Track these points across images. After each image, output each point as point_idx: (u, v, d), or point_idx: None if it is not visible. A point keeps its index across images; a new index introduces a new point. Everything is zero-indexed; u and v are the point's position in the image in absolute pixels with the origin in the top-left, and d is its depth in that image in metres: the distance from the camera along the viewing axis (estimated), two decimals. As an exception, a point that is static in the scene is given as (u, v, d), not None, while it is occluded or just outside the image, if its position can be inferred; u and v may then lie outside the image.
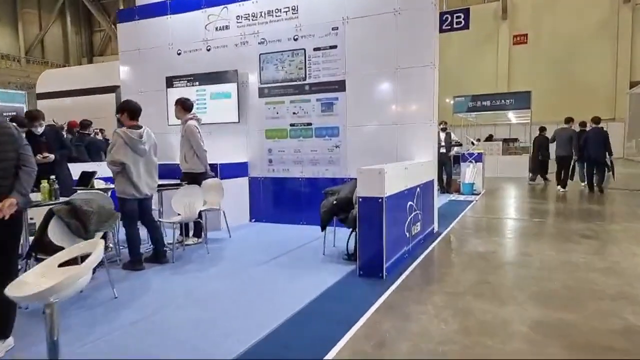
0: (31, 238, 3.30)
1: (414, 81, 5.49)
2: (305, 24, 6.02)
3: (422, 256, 4.42)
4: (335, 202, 4.35)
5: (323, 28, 5.91)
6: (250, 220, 6.60)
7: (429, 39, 5.39)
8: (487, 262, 4.20)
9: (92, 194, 3.69)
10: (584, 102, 23.95)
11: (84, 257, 2.05)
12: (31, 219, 3.71)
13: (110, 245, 4.66)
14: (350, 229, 4.26)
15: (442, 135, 10.10)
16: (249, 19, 6.35)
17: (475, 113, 16.52)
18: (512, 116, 20.31)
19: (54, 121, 8.80)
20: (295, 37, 6.08)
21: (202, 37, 6.67)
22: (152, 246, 4.43)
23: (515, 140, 18.33)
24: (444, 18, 28.96)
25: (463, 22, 29.89)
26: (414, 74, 5.47)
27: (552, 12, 26.06)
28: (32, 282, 2.00)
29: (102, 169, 4.87)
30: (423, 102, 5.49)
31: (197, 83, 6.65)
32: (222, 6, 6.51)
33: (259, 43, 6.31)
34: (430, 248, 4.78)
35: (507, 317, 2.85)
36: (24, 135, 2.97)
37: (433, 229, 5.57)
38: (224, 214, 5.50)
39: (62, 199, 3.48)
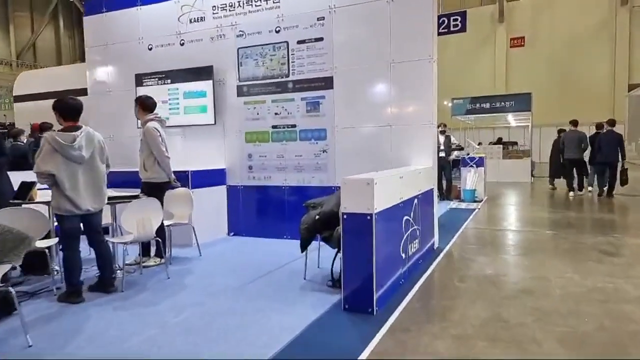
0: None
1: (410, 77, 4.84)
2: (288, 14, 5.36)
3: (420, 281, 3.74)
4: (318, 217, 3.67)
5: (307, 18, 5.25)
6: (229, 234, 5.90)
7: (426, 29, 4.74)
8: (497, 289, 3.52)
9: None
10: (582, 104, 23.53)
11: None
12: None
13: (56, 268, 3.96)
14: (336, 250, 3.58)
15: (442, 138, 9.45)
16: (225, 10, 5.69)
17: (475, 115, 15.92)
18: (511, 119, 19.76)
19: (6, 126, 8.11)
20: (277, 29, 5.42)
21: (175, 30, 6.00)
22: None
23: (515, 143, 17.71)
24: (440, 21, 28.50)
25: (460, 25, 29.49)
26: (410, 68, 4.82)
27: (548, 15, 25.69)
28: None
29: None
30: (421, 100, 4.84)
31: (169, 81, 5.97)
32: (197, -5, 5.85)
33: (237, 36, 5.64)
34: (430, 269, 4.09)
35: (533, 374, 2.18)
36: None
37: (433, 244, 4.89)
38: (194, 230, 4.81)
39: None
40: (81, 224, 3.48)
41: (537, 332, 2.68)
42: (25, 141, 7.51)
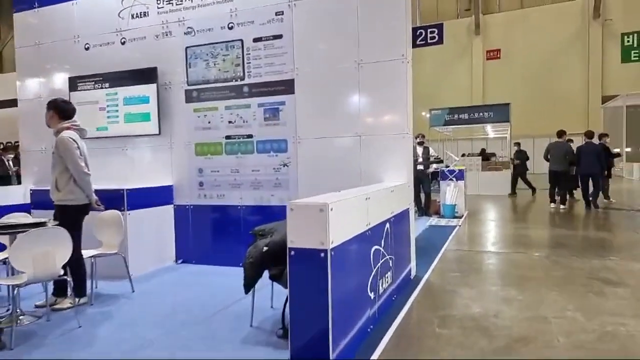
0: None
1: (381, 80, 4.20)
2: (242, 8, 4.68)
3: (394, 326, 3.03)
4: (266, 248, 2.94)
5: (264, 13, 4.57)
6: (177, 262, 5.09)
7: (398, 25, 4.12)
8: (489, 337, 2.83)
9: None
10: (557, 116, 23.68)
11: None
12: None
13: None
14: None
15: (420, 150, 8.89)
16: (172, 4, 4.96)
17: (453, 126, 15.55)
18: (490, 130, 19.54)
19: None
20: (230, 25, 4.73)
21: (116, 27, 5.23)
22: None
23: (493, 154, 17.42)
24: (418, 33, 28.64)
25: (437, 37, 29.65)
26: (381, 70, 4.18)
27: (523, 28, 25.95)
28: None
29: None
30: (394, 107, 4.19)
31: (106, 85, 5.18)
32: (140, -13, 5.12)
33: (185, 33, 4.92)
34: (405, 308, 3.39)
35: None
36: None
37: (410, 272, 4.21)
38: (126, 260, 4.00)
39: None
40: None
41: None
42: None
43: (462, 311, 3.34)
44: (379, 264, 3.12)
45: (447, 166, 9.55)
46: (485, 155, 16.40)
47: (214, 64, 4.79)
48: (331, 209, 2.25)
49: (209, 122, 4.87)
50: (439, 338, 2.85)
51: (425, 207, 8.86)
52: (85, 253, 3.73)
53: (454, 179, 8.67)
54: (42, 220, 3.38)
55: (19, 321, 3.17)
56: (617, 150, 17.86)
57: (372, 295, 2.95)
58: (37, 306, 3.58)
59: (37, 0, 5.63)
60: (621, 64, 21.73)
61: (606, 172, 9.54)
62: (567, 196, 9.64)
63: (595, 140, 9.63)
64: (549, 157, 9.45)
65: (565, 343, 2.72)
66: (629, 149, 20.96)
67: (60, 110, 3.64)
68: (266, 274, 2.99)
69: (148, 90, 4.95)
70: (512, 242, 6.10)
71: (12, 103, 6.55)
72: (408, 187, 4.19)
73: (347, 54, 4.28)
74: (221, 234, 4.90)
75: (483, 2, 26.81)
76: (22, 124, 5.77)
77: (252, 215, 4.73)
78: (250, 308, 3.18)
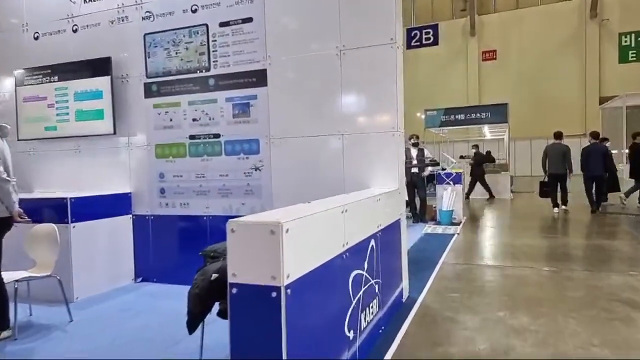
0: None
1: (366, 68, 3.58)
2: (208, -12, 4.07)
3: (379, 372, 2.40)
4: (215, 276, 2.30)
5: (233, -7, 3.96)
6: (135, 280, 4.44)
7: (387, 3, 3.51)
8: (500, 389, 2.22)
9: None
10: (554, 117, 23.26)
11: None
12: None
13: None
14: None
15: (414, 152, 8.28)
16: (129, -16, 4.35)
17: (449, 127, 14.97)
18: (487, 131, 19.01)
19: None
20: (194, 8, 4.10)
21: (67, 12, 4.60)
22: None
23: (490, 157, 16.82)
24: (412, 34, 28.19)
25: (432, 38, 29.19)
26: (367, 56, 3.57)
27: (519, 28, 25.54)
28: None
29: None
30: (382, 100, 3.58)
31: (55, 78, 4.54)
32: (93, -33, 4.49)
33: (143, 18, 4.29)
34: (395, 346, 2.76)
35: None
36: None
37: (401, 294, 3.58)
38: (61, 283, 3.34)
39: None
40: None
41: None
42: None
43: (464, 347, 2.72)
44: (361, 293, 2.50)
45: (443, 169, 8.95)
46: (489, 157, 15.81)
47: (176, 53, 4.17)
48: (286, 230, 1.62)
49: (171, 120, 4.24)
50: (437, 391, 2.22)
51: (420, 213, 8.25)
52: (9, 276, 3.09)
53: (451, 182, 8.06)
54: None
55: None
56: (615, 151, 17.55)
57: (350, 334, 2.32)
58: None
59: (-19, -16, 5.00)
60: (618, 64, 21.30)
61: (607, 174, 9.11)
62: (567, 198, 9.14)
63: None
64: (547, 160, 9.02)
65: (599, 398, 2.10)
66: (626, 151, 20.47)
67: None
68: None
69: (101, 83, 4.32)
70: (517, 254, 5.50)
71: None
72: (399, 193, 3.57)
73: (327, 38, 3.67)
74: (185, 248, 4.26)
75: (478, 2, 26.39)
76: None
77: (220, 227, 4.06)
78: (215, 333, 2.54)
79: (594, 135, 8.98)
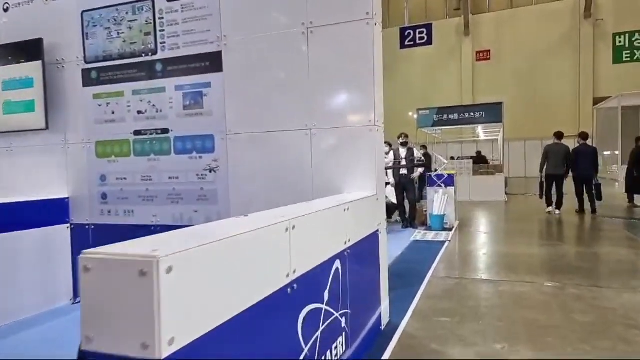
0: None
1: (339, 49, 2.99)
2: (155, -44, 3.45)
3: None
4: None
5: (183, -38, 3.35)
6: (74, 301, 3.81)
7: (363, -28, 2.93)
8: None
9: None
10: (548, 118, 22.93)
11: None
12: None
13: None
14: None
15: (403, 152, 7.71)
16: (65, -46, 3.72)
17: (442, 127, 14.45)
18: (480, 131, 18.55)
19: None
20: (138, -20, 3.49)
21: (-4, -12, 3.97)
22: None
23: (484, 157, 16.39)
24: (406, 34, 27.63)
25: (426, 37, 28.63)
26: (339, 35, 2.98)
27: (513, 28, 25.17)
28: None
29: None
30: (356, 87, 2.99)
31: (-20, 64, 3.90)
32: None
33: (81, -7, 3.67)
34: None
35: None
36: None
37: (379, 320, 2.98)
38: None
39: None
40: None
41: None
42: None
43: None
44: (318, 334, 1.90)
45: (434, 170, 8.40)
46: (481, 158, 15.30)
47: (118, 34, 3.54)
48: (167, 270, 1.02)
49: (113, 113, 3.61)
50: None
51: (410, 218, 7.68)
52: None
53: (443, 184, 7.50)
54: None
55: None
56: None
57: (299, 395, 1.72)
58: None
59: None
60: (613, 64, 20.97)
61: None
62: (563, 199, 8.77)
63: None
64: (547, 160, 8.83)
65: None
66: (617, 152, 20.09)
67: None
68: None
69: (31, 70, 3.68)
70: (514, 265, 4.93)
71: None
72: (377, 200, 2.97)
73: (292, 14, 3.07)
74: (130, 263, 3.63)
75: (472, 1, 25.97)
76: None
77: (171, 237, 3.47)
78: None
79: (583, 136, 8.84)
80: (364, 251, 2.70)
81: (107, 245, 1.23)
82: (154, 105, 3.49)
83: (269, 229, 1.53)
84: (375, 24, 2.92)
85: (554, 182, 8.74)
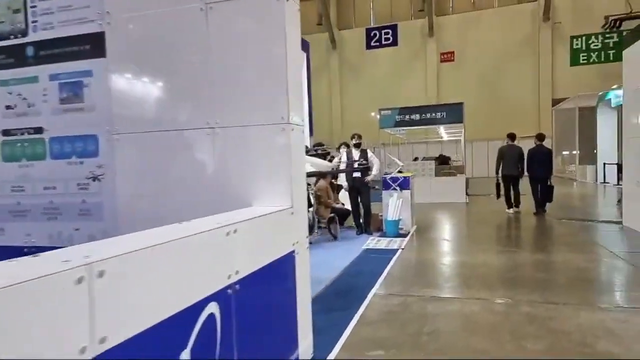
0: None
1: (245, 29, 2.44)
2: None
3: None
4: None
5: None
6: None
7: None
8: None
9: None
10: (510, 119, 23.22)
11: None
12: None
13: None
14: None
15: (356, 153, 7.24)
16: None
17: (405, 128, 14.16)
18: (443, 132, 18.45)
19: None
20: (3, -57, 2.82)
21: None
22: None
23: (448, 158, 16.28)
24: (372, 34, 27.44)
25: (391, 38, 28.53)
26: (244, 11, 2.42)
27: (476, 31, 25.41)
28: None
29: None
30: (267, 78, 2.44)
31: None
32: None
33: None
34: None
35: None
36: None
37: (298, 360, 2.45)
38: None
39: None
40: None
41: None
42: None
43: None
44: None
45: (386, 173, 7.97)
46: (445, 159, 15.11)
47: (-21, 10, 2.86)
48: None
49: (-24, 108, 2.92)
50: None
51: (365, 224, 7.22)
52: None
53: (398, 188, 7.08)
54: None
55: None
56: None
57: None
58: None
59: None
60: (570, 66, 21.43)
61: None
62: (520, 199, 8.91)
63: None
64: (502, 161, 8.96)
65: None
66: (575, 152, 20.60)
67: None
68: None
69: None
70: (468, 276, 4.52)
71: None
72: (292, 214, 2.43)
73: (186, -13, 2.49)
74: None
75: (436, 3, 26.05)
76: None
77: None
78: None
79: (540, 137, 9.00)
80: (270, 281, 2.15)
81: None
82: (24, 99, 2.82)
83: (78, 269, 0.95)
84: (288, 0, 2.38)
85: (511, 183, 8.86)
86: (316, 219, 6.81)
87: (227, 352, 1.69)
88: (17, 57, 2.82)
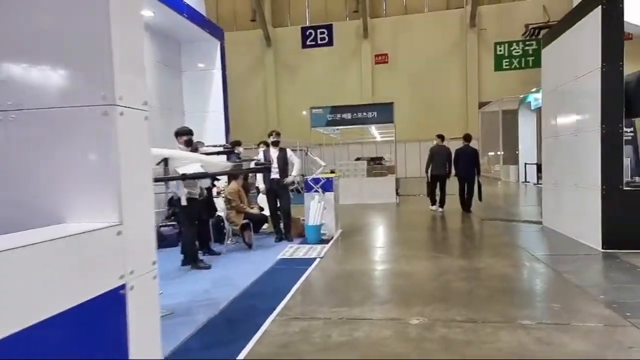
0: None
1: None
2: None
3: None
4: None
5: None
6: None
7: None
8: None
9: None
10: (440, 120, 23.93)
11: None
12: None
13: None
14: None
15: (274, 153, 6.59)
16: None
17: (335, 127, 13.78)
18: (376, 133, 18.42)
19: None
20: None
21: None
22: None
23: (381, 159, 16.19)
24: (307, 33, 26.90)
25: (327, 38, 28.19)
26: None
27: (408, 34, 25.92)
28: None
29: None
30: (78, 41, 1.70)
31: None
32: None
33: None
34: None
35: None
36: None
37: None
38: None
39: None
40: None
41: None
42: None
43: None
44: None
45: (304, 175, 7.42)
46: (378, 160, 14.93)
47: None
48: None
49: None
50: None
51: (285, 229, 6.59)
52: None
53: (320, 190, 6.54)
54: None
55: None
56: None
57: None
58: None
59: None
60: (494, 71, 22.42)
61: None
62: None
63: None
64: (432, 161, 9.08)
65: None
66: (499, 152, 21.61)
67: None
68: None
69: None
70: (385, 289, 4.04)
71: None
72: (118, 234, 1.72)
73: None
74: None
75: (370, 5, 26.20)
76: None
77: None
78: None
79: (466, 137, 9.21)
80: (77, 332, 1.43)
81: None
82: None
83: None
84: None
85: (438, 183, 9.00)
86: (230, 228, 6.08)
87: None
88: None
